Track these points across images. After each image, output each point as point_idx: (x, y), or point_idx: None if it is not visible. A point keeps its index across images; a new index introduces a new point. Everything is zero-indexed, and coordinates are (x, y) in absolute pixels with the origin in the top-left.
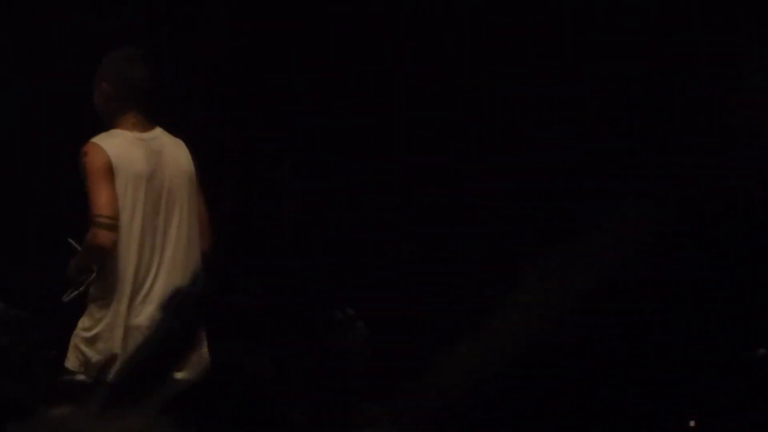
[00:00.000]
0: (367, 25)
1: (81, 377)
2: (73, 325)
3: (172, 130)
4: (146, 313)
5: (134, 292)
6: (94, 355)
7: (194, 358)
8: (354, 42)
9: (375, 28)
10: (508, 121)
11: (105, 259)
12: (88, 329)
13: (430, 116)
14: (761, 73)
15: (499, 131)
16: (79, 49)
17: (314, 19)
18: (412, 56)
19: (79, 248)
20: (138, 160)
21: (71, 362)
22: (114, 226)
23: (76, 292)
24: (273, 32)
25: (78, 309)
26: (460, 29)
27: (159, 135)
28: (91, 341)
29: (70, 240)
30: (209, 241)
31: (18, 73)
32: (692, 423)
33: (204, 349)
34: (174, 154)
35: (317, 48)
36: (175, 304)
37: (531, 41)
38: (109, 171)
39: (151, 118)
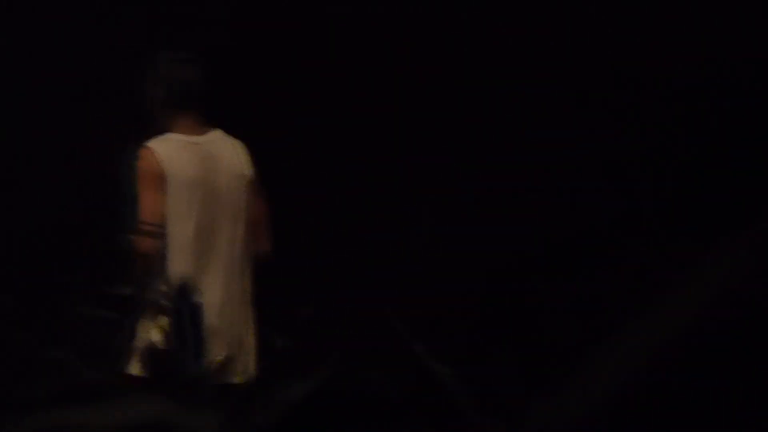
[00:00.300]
0: (367, 25)
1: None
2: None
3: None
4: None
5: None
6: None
7: (240, 363)
8: (354, 42)
9: (375, 28)
10: (508, 121)
11: (149, 265)
12: (147, 333)
13: (430, 116)
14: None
15: (499, 131)
16: (80, 49)
17: (314, 19)
18: (412, 56)
19: None
20: (190, 164)
21: (134, 368)
22: (156, 233)
23: (135, 290)
24: (273, 32)
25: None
26: (460, 29)
27: (215, 138)
28: (153, 344)
29: (132, 237)
30: (269, 242)
31: (17, 72)
32: None
33: (250, 357)
34: (229, 156)
35: (317, 48)
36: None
37: (531, 41)
38: (158, 176)
39: (206, 121)
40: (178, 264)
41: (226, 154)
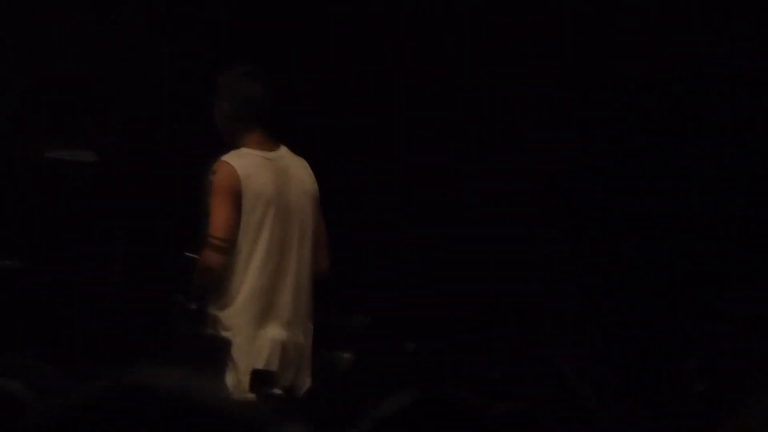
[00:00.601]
0: (367, 25)
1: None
2: None
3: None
4: (274, 332)
5: (262, 311)
6: (234, 374)
7: (300, 375)
8: (354, 42)
9: (375, 28)
10: (508, 121)
11: (213, 280)
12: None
13: (430, 116)
14: None
15: (499, 131)
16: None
17: (314, 19)
18: (412, 56)
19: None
20: (267, 180)
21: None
22: (224, 249)
23: (198, 303)
24: (273, 32)
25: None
26: (460, 29)
27: (284, 154)
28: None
29: (189, 254)
30: (327, 261)
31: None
32: None
33: (308, 368)
34: (299, 174)
35: (317, 48)
36: None
37: (531, 41)
38: (235, 191)
39: (274, 137)
40: (251, 281)
41: (296, 171)
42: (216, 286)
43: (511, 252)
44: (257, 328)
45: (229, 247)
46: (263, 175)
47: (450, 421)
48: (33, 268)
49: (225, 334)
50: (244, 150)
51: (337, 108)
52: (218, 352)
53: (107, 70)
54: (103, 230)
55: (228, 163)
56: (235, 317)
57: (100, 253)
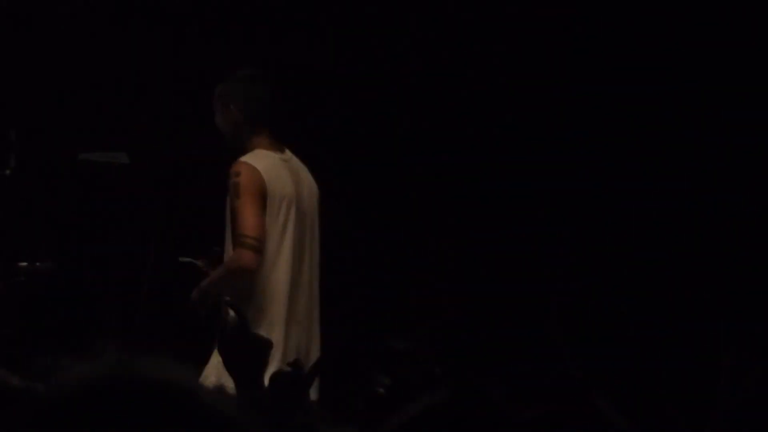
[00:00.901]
0: (368, 28)
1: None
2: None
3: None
4: (292, 333)
5: (288, 312)
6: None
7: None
8: (355, 43)
9: (373, 29)
10: (508, 121)
11: (246, 282)
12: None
13: (429, 116)
14: None
15: (499, 131)
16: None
17: (315, 19)
18: (411, 56)
19: (199, 264)
20: (286, 182)
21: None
22: (259, 248)
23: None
24: (273, 32)
25: None
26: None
27: (292, 156)
28: None
29: (187, 259)
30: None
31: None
32: None
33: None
34: (306, 175)
35: (320, 48)
36: None
37: (534, 42)
38: (261, 192)
39: (281, 140)
40: (281, 281)
41: (304, 174)
42: (240, 288)
43: (511, 252)
44: (285, 328)
45: (262, 246)
46: (283, 177)
47: (479, 422)
48: (65, 270)
49: None
50: (261, 152)
51: (336, 108)
52: (263, 353)
53: (139, 72)
54: (135, 232)
55: (251, 164)
56: (266, 318)
57: (132, 255)
